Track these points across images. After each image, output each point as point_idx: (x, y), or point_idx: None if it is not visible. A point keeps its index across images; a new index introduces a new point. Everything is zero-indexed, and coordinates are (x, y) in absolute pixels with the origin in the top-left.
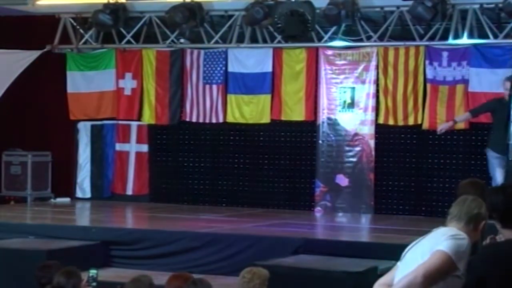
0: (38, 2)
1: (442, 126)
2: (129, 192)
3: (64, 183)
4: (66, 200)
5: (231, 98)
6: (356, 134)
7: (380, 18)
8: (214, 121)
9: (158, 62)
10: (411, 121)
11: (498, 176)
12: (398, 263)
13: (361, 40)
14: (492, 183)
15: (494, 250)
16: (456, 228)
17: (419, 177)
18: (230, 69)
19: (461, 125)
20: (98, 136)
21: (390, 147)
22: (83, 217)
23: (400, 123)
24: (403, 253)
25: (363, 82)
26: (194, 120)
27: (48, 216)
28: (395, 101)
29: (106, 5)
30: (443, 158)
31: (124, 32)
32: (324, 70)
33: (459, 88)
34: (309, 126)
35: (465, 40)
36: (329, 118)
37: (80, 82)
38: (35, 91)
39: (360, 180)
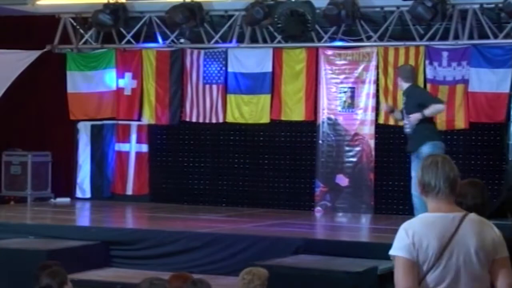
0: (38, 2)
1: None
2: (129, 192)
3: (64, 183)
4: (66, 200)
5: (231, 98)
6: (356, 134)
7: (380, 18)
8: (214, 121)
9: (158, 62)
10: None
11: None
12: (408, 257)
13: (361, 40)
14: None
15: None
16: (451, 204)
17: None
18: (230, 69)
19: (461, 125)
20: (98, 136)
21: (390, 147)
22: (83, 217)
23: (401, 123)
24: (432, 253)
25: (363, 82)
26: (194, 120)
27: (48, 216)
28: (395, 101)
29: (106, 5)
30: None
31: (124, 32)
32: (324, 70)
33: (459, 88)
34: (309, 126)
35: (465, 40)
36: (329, 118)
37: (80, 82)
38: (35, 91)
39: (360, 180)
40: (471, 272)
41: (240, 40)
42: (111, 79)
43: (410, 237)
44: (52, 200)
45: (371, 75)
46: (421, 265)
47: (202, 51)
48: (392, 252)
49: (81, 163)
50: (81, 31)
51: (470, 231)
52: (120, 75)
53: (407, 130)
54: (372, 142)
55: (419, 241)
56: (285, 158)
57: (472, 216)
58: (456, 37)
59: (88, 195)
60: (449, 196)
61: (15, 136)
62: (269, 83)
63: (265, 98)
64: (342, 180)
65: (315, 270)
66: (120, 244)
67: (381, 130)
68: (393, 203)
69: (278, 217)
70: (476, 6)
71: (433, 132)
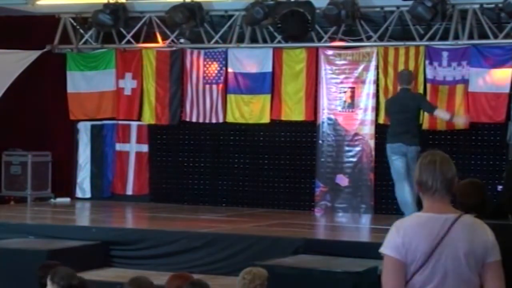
0: (38, 2)
1: None
2: (129, 192)
3: (64, 183)
4: (66, 200)
5: (231, 98)
6: (356, 134)
7: (380, 18)
8: (214, 121)
9: (158, 62)
10: None
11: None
12: (396, 256)
13: (361, 40)
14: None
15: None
16: (446, 204)
17: None
18: (230, 69)
19: (461, 125)
20: (98, 136)
21: None
22: (83, 217)
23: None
24: (421, 254)
25: (363, 82)
26: (194, 120)
27: (48, 216)
28: None
29: (106, 5)
30: None
31: (124, 32)
32: (324, 70)
33: (459, 88)
34: (309, 126)
35: (465, 40)
36: (329, 118)
37: (80, 82)
38: (35, 91)
39: (360, 180)
40: (459, 275)
41: (240, 40)
42: (111, 79)
43: (400, 237)
44: (52, 200)
45: (371, 75)
46: (409, 265)
47: (202, 51)
48: (381, 250)
49: (81, 163)
50: (81, 31)
51: (460, 234)
52: (120, 75)
53: None
54: (372, 142)
55: (408, 241)
56: (285, 158)
57: (466, 218)
58: (456, 37)
59: (88, 195)
60: (445, 196)
61: (15, 136)
62: (269, 83)
63: (265, 98)
64: (342, 180)
65: (315, 270)
66: (120, 244)
67: (381, 130)
68: (393, 203)
69: (278, 217)
70: (476, 6)
71: (389, 135)
